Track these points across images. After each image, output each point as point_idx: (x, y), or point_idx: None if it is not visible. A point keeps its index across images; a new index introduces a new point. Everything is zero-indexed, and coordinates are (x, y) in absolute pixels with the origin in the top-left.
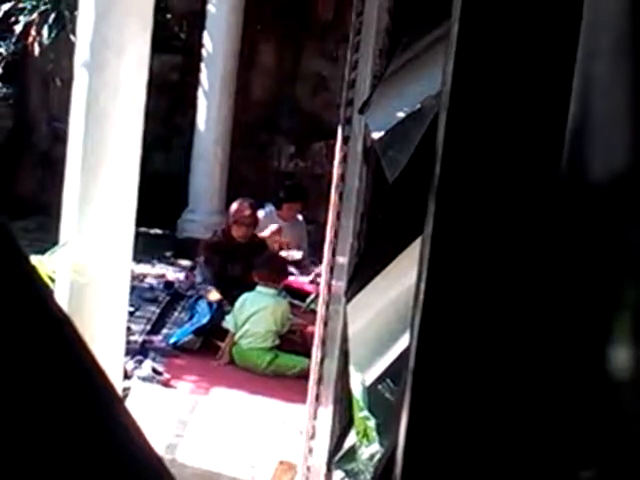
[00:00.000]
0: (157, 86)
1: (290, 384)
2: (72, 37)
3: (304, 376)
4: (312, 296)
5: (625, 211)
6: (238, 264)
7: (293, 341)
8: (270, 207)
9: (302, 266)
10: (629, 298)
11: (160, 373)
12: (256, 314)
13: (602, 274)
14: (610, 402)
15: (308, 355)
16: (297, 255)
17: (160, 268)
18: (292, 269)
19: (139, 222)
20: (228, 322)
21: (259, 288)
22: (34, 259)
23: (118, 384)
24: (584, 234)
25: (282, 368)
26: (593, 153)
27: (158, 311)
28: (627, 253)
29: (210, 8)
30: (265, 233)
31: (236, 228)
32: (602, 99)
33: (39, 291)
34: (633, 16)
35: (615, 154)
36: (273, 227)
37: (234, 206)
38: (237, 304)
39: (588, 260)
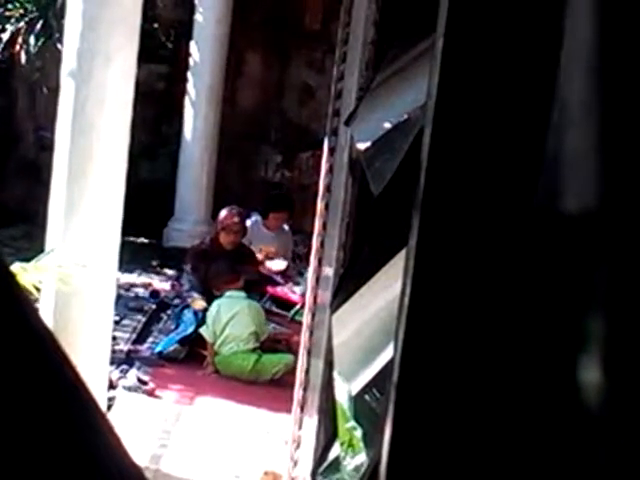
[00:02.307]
0: (144, 95)
1: (275, 393)
2: (59, 46)
3: (290, 373)
4: (297, 307)
5: (592, 253)
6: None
7: (278, 349)
8: (256, 217)
9: (287, 276)
10: (587, 330)
11: (145, 383)
12: (234, 318)
13: (566, 307)
14: (582, 422)
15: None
16: (282, 265)
17: (146, 277)
18: (277, 279)
19: (125, 231)
20: (204, 332)
21: (228, 293)
22: (20, 267)
23: (103, 394)
24: (553, 261)
25: (267, 367)
26: (566, 181)
27: (144, 320)
28: (590, 292)
29: (197, 17)
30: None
31: (224, 235)
32: (576, 127)
33: (21, 304)
34: (605, 46)
35: (586, 187)
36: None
37: (223, 213)
38: (211, 313)
39: (555, 287)
